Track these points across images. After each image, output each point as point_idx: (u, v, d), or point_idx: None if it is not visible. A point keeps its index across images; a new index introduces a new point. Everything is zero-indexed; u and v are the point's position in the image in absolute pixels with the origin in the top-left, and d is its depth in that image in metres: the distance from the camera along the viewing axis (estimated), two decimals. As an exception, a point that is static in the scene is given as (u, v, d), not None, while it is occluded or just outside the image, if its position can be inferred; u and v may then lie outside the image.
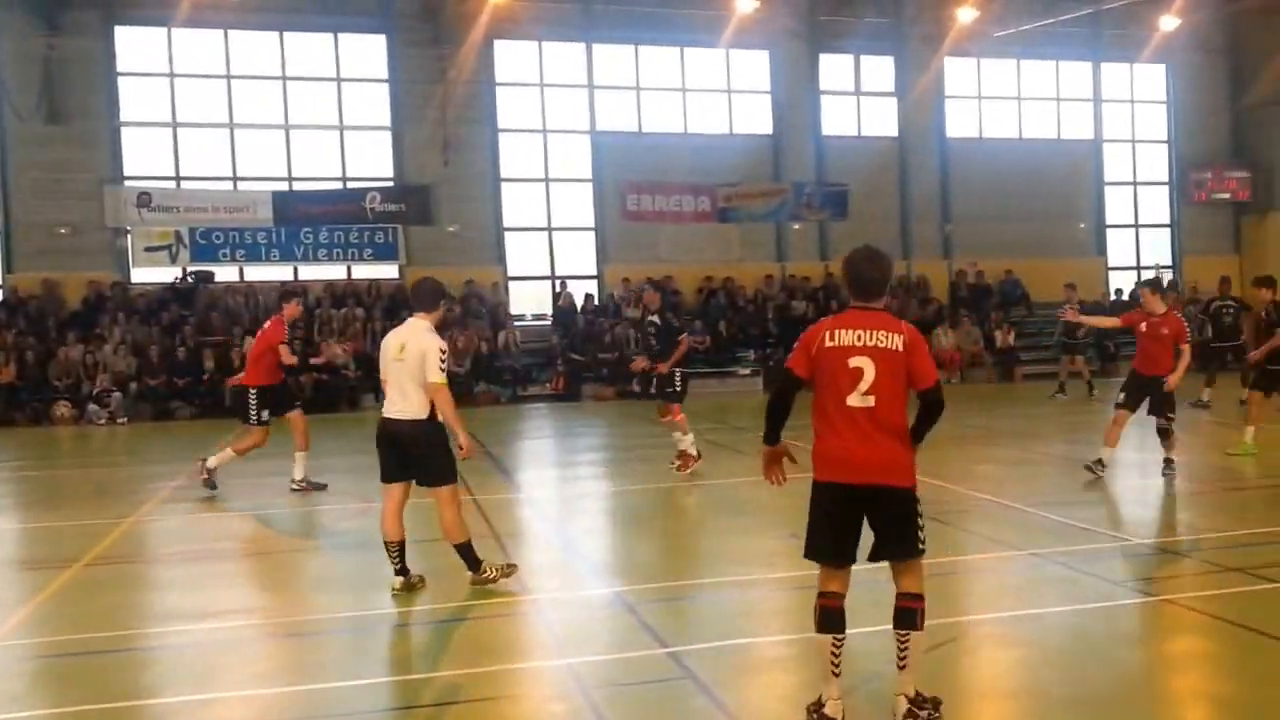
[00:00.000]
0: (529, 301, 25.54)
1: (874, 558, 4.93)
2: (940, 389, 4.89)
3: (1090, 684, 5.22)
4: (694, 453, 11.77)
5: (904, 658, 4.87)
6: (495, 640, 6.49)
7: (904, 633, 4.86)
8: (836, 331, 4.88)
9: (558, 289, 25.21)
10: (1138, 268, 29.52)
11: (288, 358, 11.00)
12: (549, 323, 24.85)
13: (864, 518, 4.89)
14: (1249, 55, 29.62)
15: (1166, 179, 30.05)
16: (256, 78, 23.89)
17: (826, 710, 4.79)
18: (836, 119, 27.42)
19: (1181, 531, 9.01)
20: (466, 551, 7.24)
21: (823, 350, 4.87)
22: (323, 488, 11.30)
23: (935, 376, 4.88)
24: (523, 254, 25.51)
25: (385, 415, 7.19)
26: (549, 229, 25.69)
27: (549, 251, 25.80)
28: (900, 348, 4.83)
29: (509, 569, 7.41)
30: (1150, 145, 29.99)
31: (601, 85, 25.71)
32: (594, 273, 25.85)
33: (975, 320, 25.80)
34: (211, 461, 11.14)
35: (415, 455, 7.13)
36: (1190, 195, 29.67)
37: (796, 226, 26.72)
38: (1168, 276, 28.38)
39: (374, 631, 6.76)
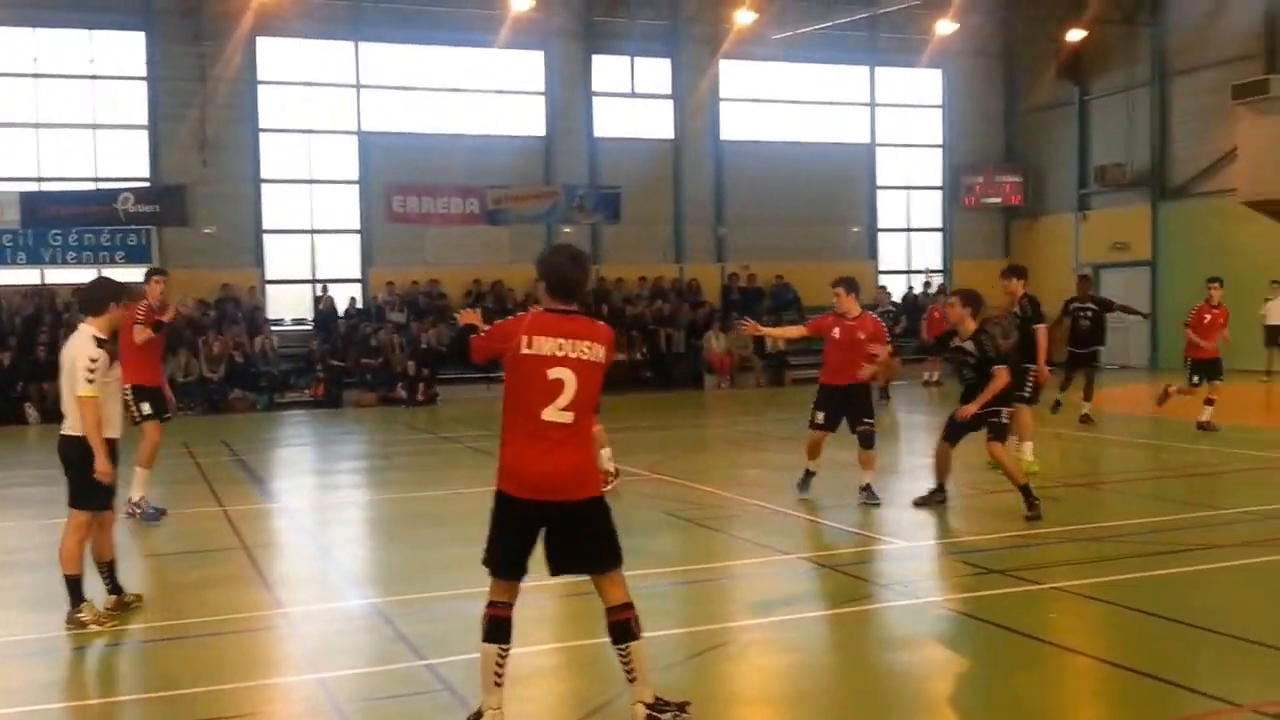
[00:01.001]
0: (288, 305, 28.48)
1: (569, 571, 5.50)
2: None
3: (854, 687, 5.97)
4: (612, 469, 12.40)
5: (631, 669, 5.35)
6: (244, 656, 7.07)
7: (624, 646, 5.33)
8: (534, 339, 5.30)
9: (319, 293, 28.28)
10: (908, 271, 34.68)
11: (140, 335, 10.97)
12: (309, 327, 27.82)
13: (544, 532, 5.41)
14: (1022, 61, 35.00)
15: (939, 183, 35.18)
16: (6, 75, 26.33)
17: (485, 716, 5.30)
18: (611, 121, 31.26)
19: (945, 535, 10.29)
20: (73, 586, 7.45)
21: (518, 357, 5.30)
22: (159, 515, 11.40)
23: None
24: (283, 257, 28.53)
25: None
26: (311, 231, 28.83)
27: (311, 254, 28.87)
28: (601, 359, 5.40)
29: (108, 615, 7.58)
30: (924, 149, 34.93)
31: (369, 85, 28.95)
32: (358, 276, 29.09)
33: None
34: (135, 494, 11.22)
35: (66, 472, 7.49)
36: (962, 199, 35.02)
37: (568, 229, 30.36)
38: (938, 280, 33.69)
39: (116, 650, 7.35)
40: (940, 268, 34.87)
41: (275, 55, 28.34)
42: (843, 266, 32.39)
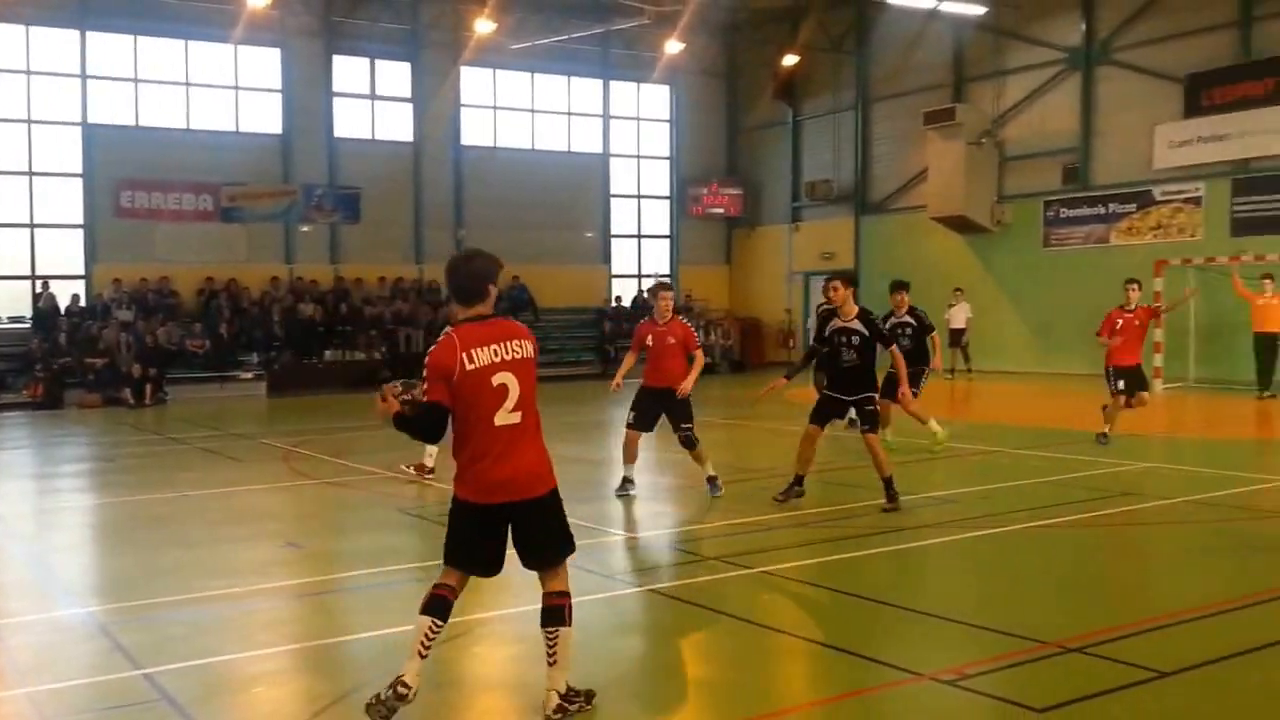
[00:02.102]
0: (4, 303, 26.68)
1: (538, 564, 5.58)
2: None
3: (584, 672, 5.86)
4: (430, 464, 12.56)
5: (553, 653, 5.47)
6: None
7: (553, 630, 5.47)
8: (472, 351, 5.31)
9: (38, 289, 26.56)
10: (639, 276, 35.50)
11: None
12: (28, 325, 26.13)
13: (508, 529, 5.49)
14: (744, 82, 36.37)
15: (668, 193, 36.24)
16: None
17: (405, 678, 5.33)
18: (351, 122, 30.73)
19: (667, 525, 10.64)
20: None
21: (465, 375, 5.27)
22: None
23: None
24: (-1, 252, 26.65)
25: None
26: (31, 225, 27.04)
27: (30, 250, 27.09)
28: (530, 354, 5.50)
29: None
30: (655, 161, 35.94)
31: (96, 75, 27.39)
32: (82, 272, 27.49)
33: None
34: None
35: None
36: (689, 209, 36.09)
37: (306, 229, 29.77)
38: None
39: None
40: (668, 273, 35.76)
41: (-6, 41, 26.44)
42: (578, 270, 33.49)
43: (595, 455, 14.99)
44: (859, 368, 10.56)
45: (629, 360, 11.89)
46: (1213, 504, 10.79)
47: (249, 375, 27.02)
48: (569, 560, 5.65)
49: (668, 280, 11.31)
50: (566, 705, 5.47)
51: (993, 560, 9.08)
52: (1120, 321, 14.46)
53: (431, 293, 30.84)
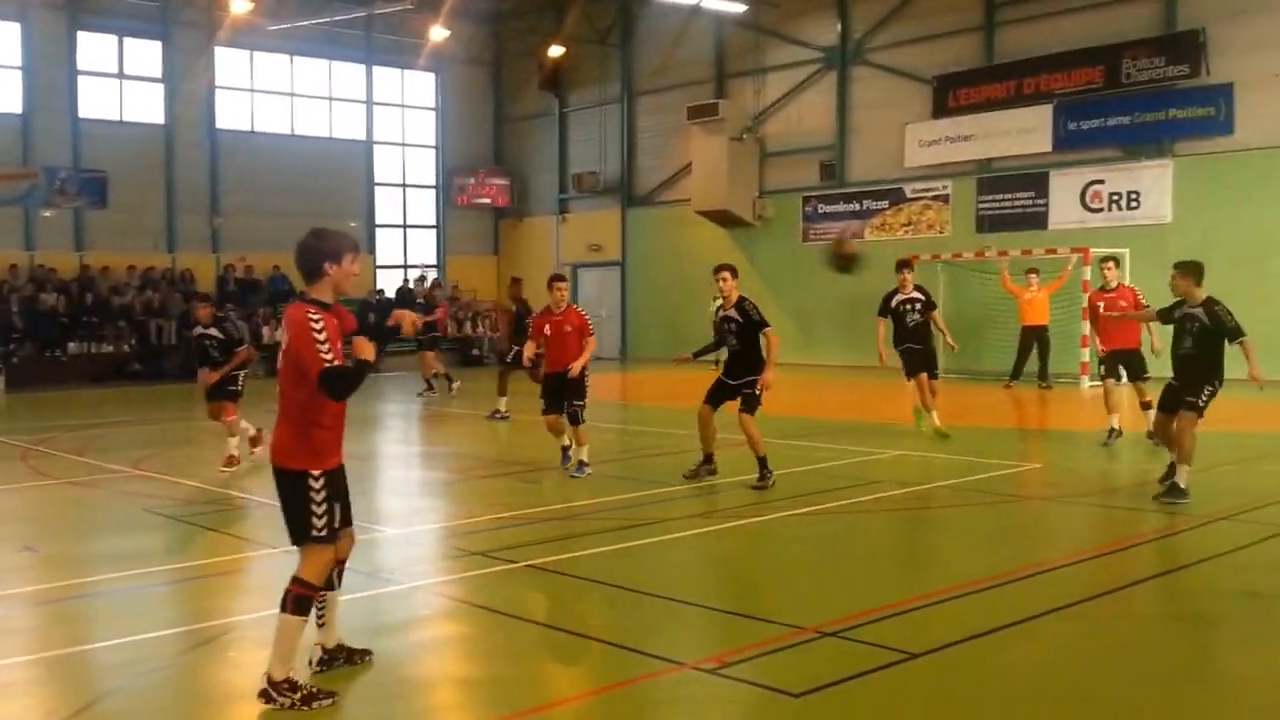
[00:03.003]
0: None
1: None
2: (327, 377, 5.41)
3: (343, 672, 5.91)
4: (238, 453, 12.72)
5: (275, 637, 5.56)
6: None
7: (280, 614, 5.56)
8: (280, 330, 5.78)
9: None
10: (405, 266, 34.86)
11: None
12: None
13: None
14: (510, 72, 36.22)
15: (434, 182, 35.75)
16: None
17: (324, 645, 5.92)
18: (97, 102, 29.01)
19: (434, 520, 10.45)
20: None
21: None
22: None
23: (318, 366, 5.38)
24: None
25: None
26: None
27: None
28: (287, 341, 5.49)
29: None
30: (420, 149, 35.35)
31: None
32: None
33: (243, 315, 29.17)
34: None
35: None
36: (455, 199, 35.68)
37: (48, 214, 27.92)
38: (432, 275, 33.98)
39: None
40: (435, 263, 35.29)
41: None
42: (340, 259, 32.42)
43: (360, 450, 14.58)
44: (741, 353, 11.31)
45: (530, 349, 12.64)
46: (961, 489, 11.35)
47: (-15, 368, 25.22)
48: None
49: (564, 273, 13.32)
50: (273, 694, 5.41)
51: (754, 549, 9.28)
52: (1101, 305, 13.90)
53: (185, 282, 29.45)
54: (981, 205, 25.74)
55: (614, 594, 7.66)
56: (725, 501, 10.79)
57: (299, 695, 5.43)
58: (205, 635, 6.75)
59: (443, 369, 22.71)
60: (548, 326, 12.21)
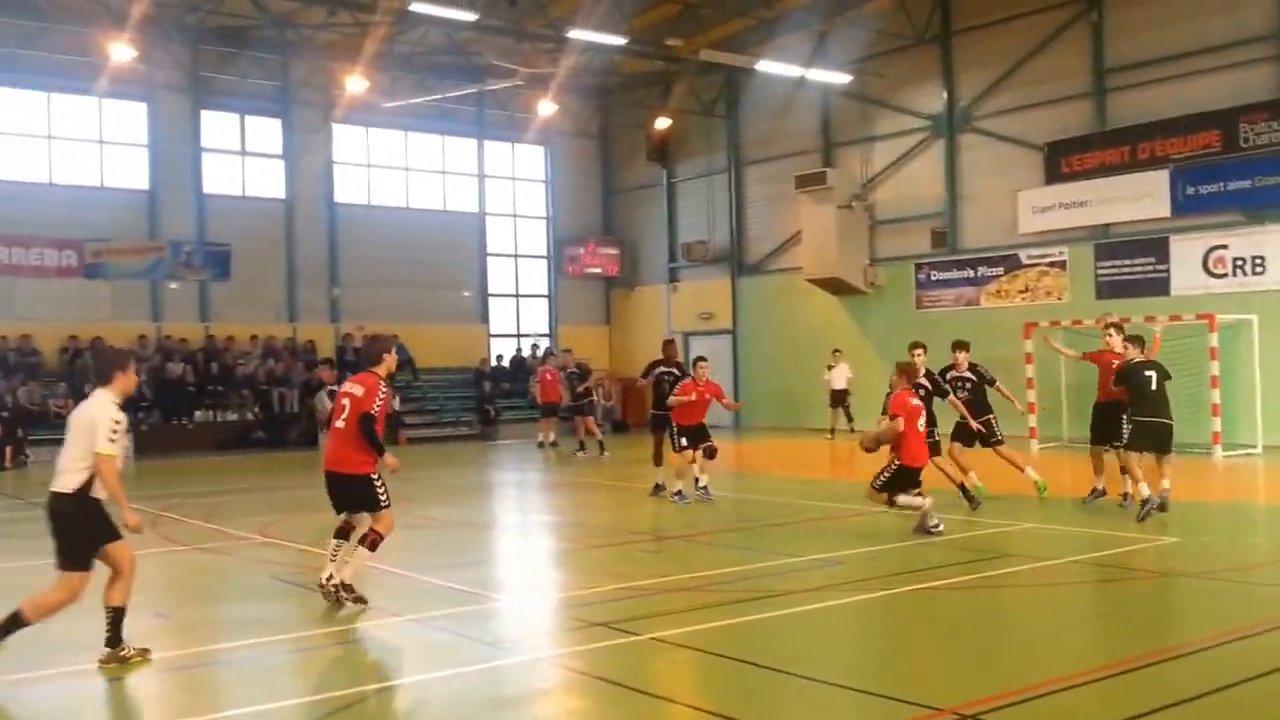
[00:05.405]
0: None
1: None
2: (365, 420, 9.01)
3: None
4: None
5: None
6: None
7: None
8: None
9: (-113, 347, 25.25)
10: (518, 335, 35.32)
11: None
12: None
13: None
14: (618, 142, 36.70)
15: (545, 253, 36.24)
16: None
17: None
18: (220, 177, 30.05)
19: (552, 590, 10.60)
20: (10, 625, 7.45)
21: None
22: None
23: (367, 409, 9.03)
24: None
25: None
26: (-121, 281, 25.75)
27: (-121, 307, 25.77)
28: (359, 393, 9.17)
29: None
30: (531, 220, 35.90)
31: (-49, 128, 26.34)
32: (-62, 329, 26.18)
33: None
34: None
35: (55, 534, 7.54)
36: (566, 268, 36.11)
37: (174, 286, 28.95)
38: (545, 343, 34.35)
39: None
40: (547, 332, 35.65)
41: None
42: (456, 329, 33.13)
43: (480, 518, 14.73)
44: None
45: (677, 400, 15.85)
46: (1096, 564, 10.99)
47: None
48: None
49: (705, 357, 17.06)
50: (343, 593, 9.22)
51: (881, 624, 9.08)
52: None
53: (306, 352, 30.16)
54: (1100, 271, 25.20)
55: (739, 668, 7.52)
56: (848, 574, 10.57)
57: (356, 596, 9.13)
58: (333, 706, 6.77)
59: (599, 434, 24.28)
60: (694, 394, 15.55)
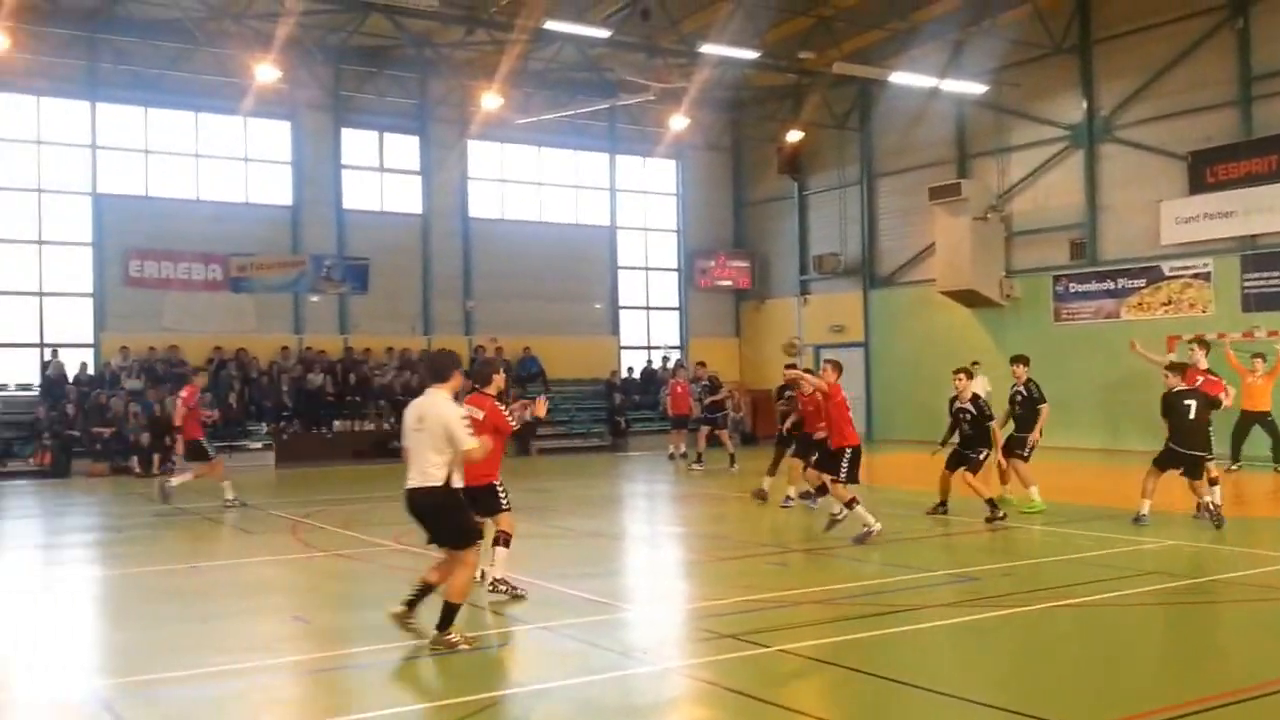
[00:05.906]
0: (12, 370, 26.61)
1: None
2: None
3: None
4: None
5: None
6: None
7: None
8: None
9: (47, 357, 26.54)
10: (648, 347, 35.51)
11: None
12: (35, 393, 26.10)
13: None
14: (749, 157, 36.66)
15: (676, 265, 36.36)
16: None
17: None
18: (360, 193, 30.90)
19: (680, 601, 10.59)
20: (450, 612, 8.28)
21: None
22: None
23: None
24: (6, 320, 26.71)
25: (406, 485, 8.41)
26: (40, 294, 27.08)
27: (39, 317, 27.12)
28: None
29: (471, 640, 8.41)
30: (662, 233, 36.08)
31: (106, 146, 27.59)
32: (90, 341, 27.48)
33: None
34: None
35: (432, 523, 8.49)
36: (697, 281, 36.19)
37: (315, 299, 29.84)
38: (675, 355, 34.45)
39: None
40: (677, 344, 35.77)
41: (4, 112, 26.75)
42: (587, 341, 33.45)
43: (611, 529, 14.83)
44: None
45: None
46: (1240, 583, 10.60)
47: (258, 445, 26.94)
48: None
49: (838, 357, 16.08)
50: (499, 586, 10.02)
51: (1017, 641, 8.87)
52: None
53: (439, 364, 30.63)
54: (1247, 283, 24.27)
55: (870, 682, 7.45)
56: (983, 590, 10.38)
57: (510, 589, 9.93)
58: (467, 710, 6.87)
59: (730, 447, 24.09)
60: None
